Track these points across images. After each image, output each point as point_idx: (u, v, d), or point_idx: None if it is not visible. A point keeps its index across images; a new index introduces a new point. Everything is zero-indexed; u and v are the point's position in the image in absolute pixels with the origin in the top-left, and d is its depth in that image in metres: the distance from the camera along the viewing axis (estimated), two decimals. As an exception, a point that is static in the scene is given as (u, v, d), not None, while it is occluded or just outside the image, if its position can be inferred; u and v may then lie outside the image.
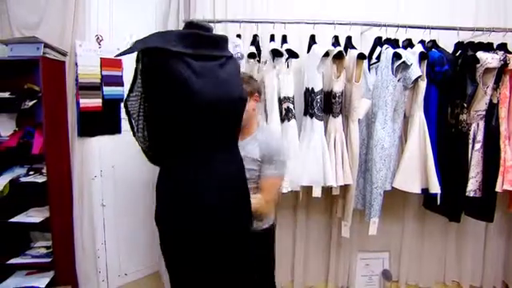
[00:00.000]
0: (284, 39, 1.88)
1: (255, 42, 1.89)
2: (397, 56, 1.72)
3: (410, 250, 2.27)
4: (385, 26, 1.83)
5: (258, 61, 1.83)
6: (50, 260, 1.95)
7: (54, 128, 1.90)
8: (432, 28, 1.85)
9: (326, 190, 1.94)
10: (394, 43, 1.85)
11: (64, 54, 1.93)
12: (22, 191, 1.93)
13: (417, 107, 1.80)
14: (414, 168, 1.80)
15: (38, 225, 1.92)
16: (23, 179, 1.90)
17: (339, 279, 2.29)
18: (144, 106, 1.06)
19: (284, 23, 1.86)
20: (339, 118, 1.85)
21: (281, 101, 1.84)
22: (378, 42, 1.89)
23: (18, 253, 2.00)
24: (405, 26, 1.84)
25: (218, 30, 1.93)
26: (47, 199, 1.88)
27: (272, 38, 1.88)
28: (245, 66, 1.81)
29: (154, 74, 1.00)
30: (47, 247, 2.02)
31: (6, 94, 1.83)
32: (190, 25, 1.11)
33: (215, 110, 1.06)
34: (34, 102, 1.81)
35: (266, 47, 1.84)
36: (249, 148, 1.37)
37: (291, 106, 1.82)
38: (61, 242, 1.99)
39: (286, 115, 1.85)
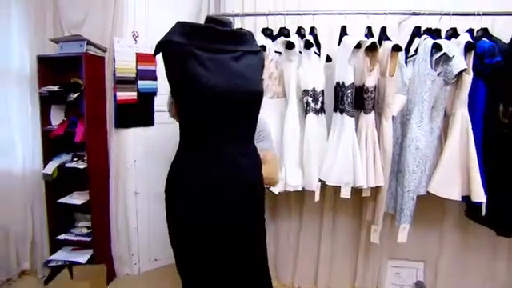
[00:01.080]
0: (312, 31, 1.80)
1: (283, 34, 1.84)
2: (437, 47, 1.55)
3: (450, 263, 2.05)
4: (425, 14, 1.65)
5: (279, 52, 1.79)
6: (89, 239, 2.14)
7: (94, 119, 2.07)
8: (483, 14, 1.63)
9: (355, 191, 1.83)
10: (435, 33, 1.67)
11: (104, 50, 2.08)
12: (68, 175, 2.14)
13: (460, 104, 1.61)
14: (454, 172, 1.62)
15: (80, 206, 2.13)
16: (68, 165, 2.10)
17: (367, 286, 2.16)
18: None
19: (312, 14, 1.78)
20: (371, 115, 1.73)
21: (301, 94, 1.78)
22: (417, 32, 1.71)
23: (65, 230, 2.23)
24: (449, 14, 1.65)
25: (246, 24, 1.93)
26: (87, 184, 2.06)
27: (299, 30, 1.81)
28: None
29: (167, 64, 1.04)
30: (88, 227, 2.22)
31: (56, 88, 2.03)
32: (208, 19, 1.14)
33: (226, 102, 1.05)
34: (78, 94, 1.99)
35: (280, 39, 1.78)
36: None
37: (310, 100, 1.75)
38: (99, 224, 2.18)
39: (304, 109, 1.78)
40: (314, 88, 1.79)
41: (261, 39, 1.80)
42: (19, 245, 2.26)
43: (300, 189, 1.82)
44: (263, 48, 1.72)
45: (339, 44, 1.77)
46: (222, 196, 1.09)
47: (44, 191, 2.18)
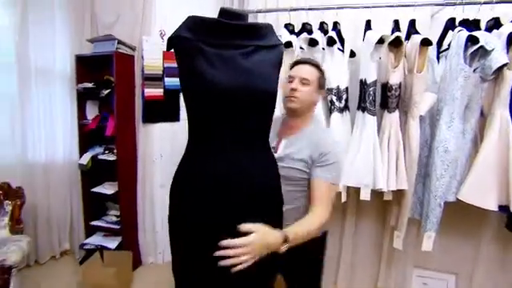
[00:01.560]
0: (335, 26, 1.73)
1: (305, 30, 1.79)
2: (472, 40, 1.40)
3: (485, 279, 1.86)
4: (461, 4, 1.50)
5: (302, 48, 1.73)
6: (118, 227, 2.29)
7: (124, 114, 2.19)
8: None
9: (377, 194, 1.74)
10: (472, 25, 1.50)
11: (133, 49, 2.19)
12: (100, 166, 2.30)
13: (499, 104, 1.44)
14: (490, 179, 1.46)
15: (110, 196, 2.28)
16: (100, 156, 2.26)
17: (391, 294, 2.05)
18: None
19: (336, 8, 1.70)
20: (395, 114, 1.63)
21: (325, 92, 1.71)
22: (451, 24, 1.55)
23: (98, 217, 2.41)
24: (490, 2, 1.47)
25: (269, 19, 1.90)
26: (116, 175, 2.20)
27: (321, 25, 1.75)
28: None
29: (176, 60, 1.05)
30: (117, 216, 2.37)
31: (90, 85, 2.19)
32: (222, 12, 1.07)
33: (232, 100, 1.02)
34: (109, 91, 2.12)
35: (303, 36, 1.73)
36: (297, 145, 1.21)
37: (334, 98, 1.68)
38: (126, 213, 2.31)
39: (329, 108, 1.71)
40: (337, 86, 1.72)
41: (285, 35, 1.76)
42: (61, 227, 2.49)
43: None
44: (289, 44, 1.69)
45: (364, 39, 1.68)
46: (227, 194, 1.07)
47: (80, 180, 2.37)
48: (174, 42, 1.03)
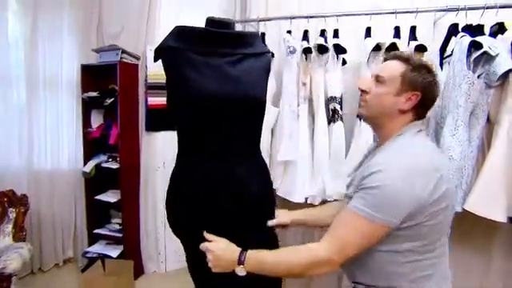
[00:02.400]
0: (335, 34, 1.72)
1: (306, 37, 1.79)
2: (475, 45, 1.36)
3: (497, 292, 1.77)
4: (464, 9, 1.47)
5: (306, 58, 1.73)
6: (121, 235, 2.29)
7: (127, 122, 2.22)
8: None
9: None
10: (475, 30, 1.47)
11: (137, 58, 2.23)
12: (104, 174, 2.32)
13: (506, 110, 1.39)
14: (498, 188, 1.40)
15: (113, 204, 2.29)
16: (104, 164, 2.28)
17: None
18: None
19: (336, 16, 1.70)
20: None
21: (328, 101, 1.69)
22: (454, 30, 1.52)
23: (101, 225, 2.42)
24: (494, 7, 1.44)
25: (269, 27, 1.91)
26: (119, 183, 2.21)
27: (322, 33, 1.74)
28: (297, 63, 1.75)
29: (165, 68, 1.05)
30: (120, 224, 2.37)
31: (95, 94, 2.23)
32: (208, 21, 1.10)
33: (219, 108, 1.00)
34: (112, 99, 2.15)
35: (312, 43, 1.72)
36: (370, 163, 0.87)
37: (338, 107, 1.66)
38: (129, 221, 2.31)
39: (332, 117, 1.69)
40: (341, 94, 1.71)
41: (291, 41, 1.76)
42: (65, 235, 2.51)
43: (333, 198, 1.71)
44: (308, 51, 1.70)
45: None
46: (219, 202, 1.05)
47: (84, 188, 2.39)
48: (162, 52, 1.03)
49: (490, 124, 1.48)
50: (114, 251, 2.30)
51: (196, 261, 1.10)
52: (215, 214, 1.04)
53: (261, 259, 0.88)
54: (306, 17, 1.77)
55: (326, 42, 1.71)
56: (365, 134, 1.60)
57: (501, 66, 1.34)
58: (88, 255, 2.32)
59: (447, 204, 0.82)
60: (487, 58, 1.37)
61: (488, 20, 1.49)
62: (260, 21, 1.92)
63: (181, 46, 0.98)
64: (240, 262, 0.88)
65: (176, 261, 2.49)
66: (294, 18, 1.81)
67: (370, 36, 1.63)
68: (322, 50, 1.65)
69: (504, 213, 1.41)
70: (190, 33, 1.03)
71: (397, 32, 1.60)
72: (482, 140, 1.50)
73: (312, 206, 1.73)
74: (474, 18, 1.50)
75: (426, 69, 0.88)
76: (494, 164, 1.42)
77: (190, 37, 1.01)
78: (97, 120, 2.37)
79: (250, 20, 1.91)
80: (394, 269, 0.84)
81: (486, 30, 1.48)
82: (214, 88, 0.98)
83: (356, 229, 0.80)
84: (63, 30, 2.34)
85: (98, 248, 2.37)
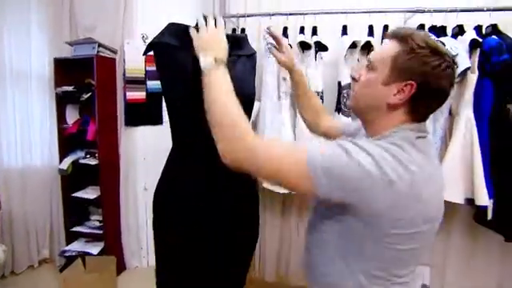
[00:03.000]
0: (314, 31, 1.80)
1: (285, 34, 1.85)
2: (439, 45, 1.50)
3: (457, 269, 1.98)
4: (430, 11, 1.61)
5: None
6: (101, 232, 2.26)
7: (105, 117, 2.17)
8: (493, 10, 1.57)
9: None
10: (439, 31, 1.62)
11: (114, 52, 2.18)
12: (81, 171, 2.26)
13: (464, 104, 1.56)
14: (457, 174, 1.58)
15: (93, 201, 2.25)
16: (82, 161, 2.23)
17: None
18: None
19: (314, 14, 1.78)
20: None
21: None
22: (421, 30, 1.67)
23: (79, 222, 2.36)
24: (455, 10, 1.59)
25: (249, 23, 1.95)
26: (99, 179, 2.17)
27: (302, 30, 1.82)
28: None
29: (161, 65, 1.07)
30: (99, 221, 2.33)
31: (71, 88, 2.15)
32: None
33: None
34: (89, 94, 2.10)
35: (294, 40, 1.79)
36: None
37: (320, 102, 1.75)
38: (109, 218, 2.28)
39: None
40: (322, 90, 1.79)
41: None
42: (39, 234, 2.42)
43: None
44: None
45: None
46: (219, 198, 1.10)
47: (60, 185, 2.32)
48: (158, 48, 1.05)
49: (452, 116, 1.65)
50: (95, 248, 2.27)
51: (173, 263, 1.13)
52: (215, 209, 1.08)
53: (224, 83, 0.79)
54: (286, 14, 1.84)
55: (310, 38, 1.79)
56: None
57: (460, 64, 1.49)
58: (66, 254, 2.26)
59: (417, 243, 0.69)
60: (449, 56, 1.52)
61: (450, 21, 1.65)
62: (240, 17, 1.96)
63: (181, 45, 0.99)
64: (216, 60, 0.80)
65: (158, 255, 2.51)
66: (273, 14, 1.87)
67: (346, 34, 1.73)
68: (305, 46, 1.72)
69: (462, 195, 1.59)
70: (187, 31, 1.05)
71: (370, 30, 1.72)
72: (444, 131, 1.66)
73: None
74: (439, 19, 1.65)
75: (431, 49, 0.65)
76: (453, 153, 1.59)
77: (187, 35, 1.04)
78: (72, 115, 2.29)
79: (230, 16, 1.94)
80: None
81: (449, 31, 1.64)
82: None
83: (289, 156, 0.68)
84: (31, 22, 2.22)
85: (76, 246, 2.32)
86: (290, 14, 1.85)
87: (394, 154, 0.64)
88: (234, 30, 1.89)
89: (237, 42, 1.17)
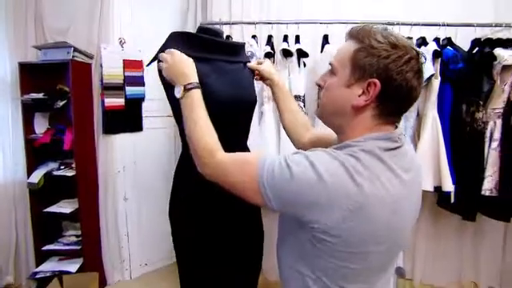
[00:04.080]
0: (297, 39, 1.92)
1: (270, 42, 1.95)
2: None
3: (425, 249, 2.25)
4: (398, 24, 1.83)
5: (273, 61, 1.89)
6: (79, 248, 2.12)
7: (82, 126, 2.06)
8: (447, 25, 1.84)
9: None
10: (407, 42, 1.85)
11: (90, 57, 2.08)
12: (55, 184, 2.10)
13: (430, 105, 1.80)
14: (427, 166, 1.81)
15: (68, 215, 2.10)
16: (56, 173, 2.07)
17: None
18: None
19: (297, 23, 1.91)
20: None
21: (293, 100, 1.89)
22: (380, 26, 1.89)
23: (52, 240, 2.18)
24: (418, 24, 1.84)
25: (234, 30, 2.01)
26: (76, 192, 2.04)
27: (285, 38, 1.93)
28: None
29: None
30: (77, 236, 2.19)
31: (41, 95, 2.00)
32: (201, 30, 1.20)
33: (230, 110, 1.11)
34: (65, 101, 1.97)
35: (278, 48, 1.90)
36: None
37: (301, 105, 1.87)
38: (88, 231, 2.16)
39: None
40: (304, 94, 1.91)
41: (254, 45, 1.90)
42: (1, 258, 2.18)
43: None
44: (269, 55, 1.84)
45: (321, 51, 1.91)
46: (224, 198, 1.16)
47: (29, 201, 2.12)
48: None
49: (419, 117, 1.89)
50: (72, 266, 2.12)
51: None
52: (229, 206, 1.13)
53: (194, 107, 0.83)
54: (270, 23, 1.94)
55: (288, 46, 1.91)
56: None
57: (426, 71, 1.73)
58: (38, 276, 2.08)
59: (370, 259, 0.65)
60: (417, 64, 1.75)
61: (415, 34, 1.89)
62: (223, 24, 2.01)
63: (191, 53, 1.03)
64: (185, 88, 0.85)
65: (141, 266, 2.43)
66: (257, 23, 1.96)
67: (328, 42, 1.88)
68: (287, 53, 1.84)
69: (432, 184, 1.82)
70: (194, 39, 1.09)
71: (348, 40, 1.89)
72: (413, 130, 1.90)
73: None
74: (405, 31, 1.88)
75: (391, 44, 0.62)
76: (423, 149, 1.82)
77: (195, 43, 1.08)
78: (42, 125, 2.12)
79: (214, 23, 1.98)
80: None
81: (413, 41, 1.88)
82: (228, 92, 1.08)
83: (242, 173, 0.69)
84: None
85: (49, 266, 2.14)
86: (274, 23, 1.96)
87: (348, 170, 0.59)
88: (228, 37, 1.92)
89: (236, 50, 1.25)
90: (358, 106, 0.65)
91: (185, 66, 0.91)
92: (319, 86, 0.75)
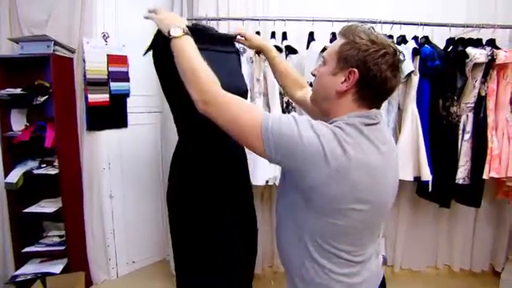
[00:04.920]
0: (284, 36, 1.96)
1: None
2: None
3: (405, 236, 2.38)
4: (380, 22, 1.91)
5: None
6: (63, 248, 2.05)
7: (65, 122, 1.99)
8: (425, 25, 1.95)
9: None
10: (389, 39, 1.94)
11: (72, 51, 2.00)
12: (34, 183, 2.01)
13: (410, 100, 1.91)
14: (407, 157, 1.91)
15: (51, 215, 2.02)
16: (36, 171, 1.98)
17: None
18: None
19: (284, 20, 1.94)
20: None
21: (282, 94, 1.93)
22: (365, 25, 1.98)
23: (32, 242, 2.09)
24: (399, 23, 1.93)
25: (221, 27, 2.01)
26: (59, 190, 1.97)
27: (273, 35, 1.96)
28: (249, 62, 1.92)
29: (162, 63, 1.10)
30: (60, 236, 2.12)
31: (18, 90, 1.90)
32: (197, 28, 1.22)
33: None
34: (46, 97, 1.89)
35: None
36: None
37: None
38: (73, 231, 2.09)
39: (286, 108, 1.95)
40: None
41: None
42: (-25, 263, 2.07)
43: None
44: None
45: (307, 48, 1.96)
46: (232, 176, 1.24)
47: (6, 202, 2.02)
48: (163, 47, 1.07)
49: (400, 111, 1.99)
50: (56, 267, 2.05)
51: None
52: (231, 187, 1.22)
53: (192, 48, 0.90)
54: (257, 19, 1.96)
55: (276, 42, 1.94)
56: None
57: (406, 67, 1.83)
58: (19, 279, 2.00)
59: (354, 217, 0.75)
60: (398, 61, 1.84)
61: (395, 32, 1.99)
62: (210, 20, 2.00)
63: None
64: (183, 30, 0.91)
65: (128, 265, 2.40)
66: (244, 19, 1.97)
67: (314, 40, 1.93)
68: (277, 50, 1.87)
69: (411, 174, 1.94)
70: (189, 30, 1.09)
71: (334, 37, 1.95)
72: (395, 123, 2.00)
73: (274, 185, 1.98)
74: (386, 30, 1.97)
75: (371, 40, 0.74)
76: (404, 141, 1.92)
77: (193, 34, 1.08)
78: (18, 121, 2.02)
79: (201, 18, 1.97)
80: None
81: (394, 39, 1.97)
82: (225, 81, 1.09)
83: (246, 111, 0.79)
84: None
85: (31, 268, 2.06)
86: (261, 20, 1.98)
87: (337, 137, 0.71)
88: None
89: (228, 40, 1.30)
90: (341, 91, 0.78)
91: (176, 15, 1.01)
92: (313, 75, 0.88)
